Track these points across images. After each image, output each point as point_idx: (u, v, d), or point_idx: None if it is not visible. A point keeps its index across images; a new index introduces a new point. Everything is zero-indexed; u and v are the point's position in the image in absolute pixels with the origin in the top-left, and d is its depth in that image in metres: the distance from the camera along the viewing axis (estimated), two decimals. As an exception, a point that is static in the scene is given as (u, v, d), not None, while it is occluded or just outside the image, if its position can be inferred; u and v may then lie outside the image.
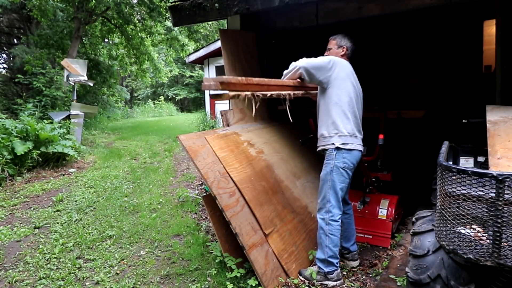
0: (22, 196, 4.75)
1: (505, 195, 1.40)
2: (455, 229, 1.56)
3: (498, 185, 1.40)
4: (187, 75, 21.94)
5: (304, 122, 3.53)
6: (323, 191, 2.72)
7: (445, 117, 5.05)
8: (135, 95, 26.74)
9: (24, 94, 10.18)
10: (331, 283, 2.65)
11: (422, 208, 2.54)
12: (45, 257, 3.20)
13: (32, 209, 4.36)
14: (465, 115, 2.76)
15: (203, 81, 1.78)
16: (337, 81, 2.70)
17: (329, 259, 2.65)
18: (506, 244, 1.43)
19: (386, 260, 3.09)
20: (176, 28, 12.14)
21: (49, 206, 4.47)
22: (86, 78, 7.96)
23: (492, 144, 1.93)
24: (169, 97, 24.01)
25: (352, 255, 3.02)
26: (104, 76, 12.98)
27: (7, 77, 13.07)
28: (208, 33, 16.33)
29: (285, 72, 2.82)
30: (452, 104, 5.45)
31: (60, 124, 6.90)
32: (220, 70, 11.07)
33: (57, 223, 3.96)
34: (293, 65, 2.75)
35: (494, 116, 2.20)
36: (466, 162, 2.37)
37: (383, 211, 3.38)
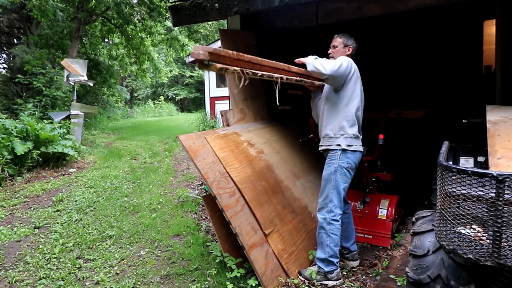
0: (22, 196, 4.75)
1: (505, 195, 1.40)
2: (455, 229, 1.56)
3: (498, 185, 1.40)
4: (187, 75, 21.92)
5: (304, 122, 3.53)
6: (325, 191, 2.72)
7: (445, 117, 5.05)
8: (135, 95, 26.71)
9: (24, 94, 10.16)
10: (331, 283, 2.65)
11: (422, 208, 2.54)
12: (45, 257, 3.20)
13: (32, 209, 4.36)
14: (465, 115, 2.76)
15: (193, 49, 1.69)
16: (350, 84, 2.71)
17: (330, 259, 2.65)
18: (506, 244, 1.43)
19: (386, 260, 3.09)
20: (176, 28, 12.11)
21: (49, 206, 4.47)
22: (86, 78, 7.96)
23: (492, 144, 1.93)
24: (169, 97, 23.98)
25: (352, 255, 3.02)
26: (104, 76, 12.96)
27: (7, 77, 13.04)
28: (208, 33, 16.33)
29: (307, 61, 2.64)
30: (452, 104, 5.46)
31: (60, 124, 6.90)
32: (220, 70, 11.03)
33: (57, 223, 3.96)
34: (316, 64, 2.59)
35: (494, 116, 2.20)
36: (466, 162, 2.37)
37: (383, 211, 3.38)
